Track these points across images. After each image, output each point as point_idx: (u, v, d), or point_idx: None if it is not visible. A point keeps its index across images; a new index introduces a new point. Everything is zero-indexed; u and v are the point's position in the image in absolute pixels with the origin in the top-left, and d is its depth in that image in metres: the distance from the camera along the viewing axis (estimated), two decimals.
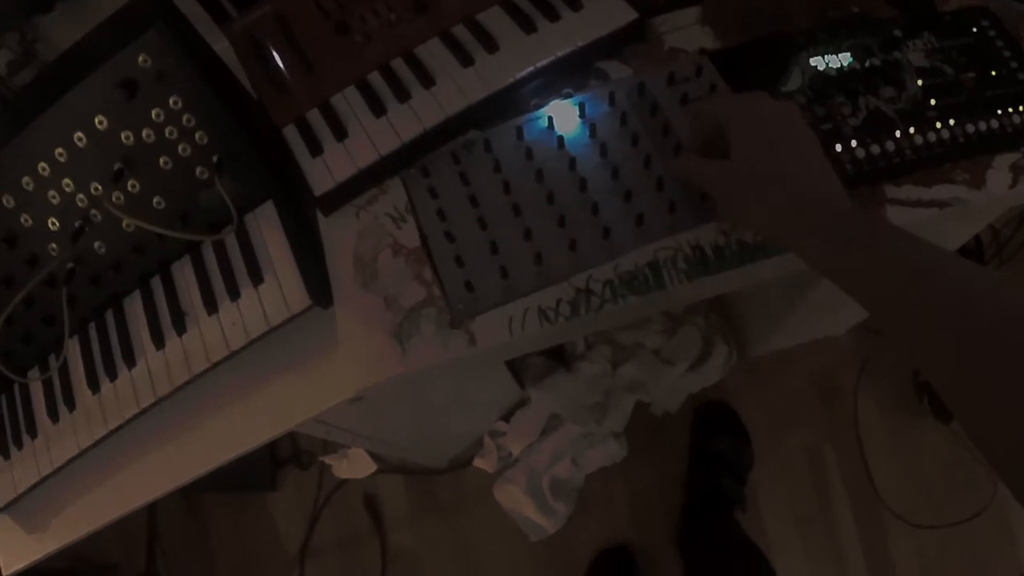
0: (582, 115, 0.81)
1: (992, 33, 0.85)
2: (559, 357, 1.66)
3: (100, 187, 0.79)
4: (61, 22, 0.97)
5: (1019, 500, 0.47)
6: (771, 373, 1.80)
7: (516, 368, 1.63)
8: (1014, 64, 0.83)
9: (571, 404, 1.58)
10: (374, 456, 1.68)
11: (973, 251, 1.65)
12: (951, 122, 0.79)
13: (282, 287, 0.77)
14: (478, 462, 1.69)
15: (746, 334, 1.73)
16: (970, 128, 0.79)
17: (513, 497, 1.64)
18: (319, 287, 0.77)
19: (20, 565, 0.83)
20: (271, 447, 1.81)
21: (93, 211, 0.80)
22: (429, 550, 1.77)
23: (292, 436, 1.82)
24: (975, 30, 0.85)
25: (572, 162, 0.78)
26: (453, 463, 1.78)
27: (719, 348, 1.67)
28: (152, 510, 1.71)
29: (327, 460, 1.71)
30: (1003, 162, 0.79)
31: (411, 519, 1.79)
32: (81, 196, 0.80)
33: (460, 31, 0.84)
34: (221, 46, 0.86)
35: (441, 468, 1.78)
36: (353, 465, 1.70)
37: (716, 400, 1.78)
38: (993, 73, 0.82)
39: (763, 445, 1.75)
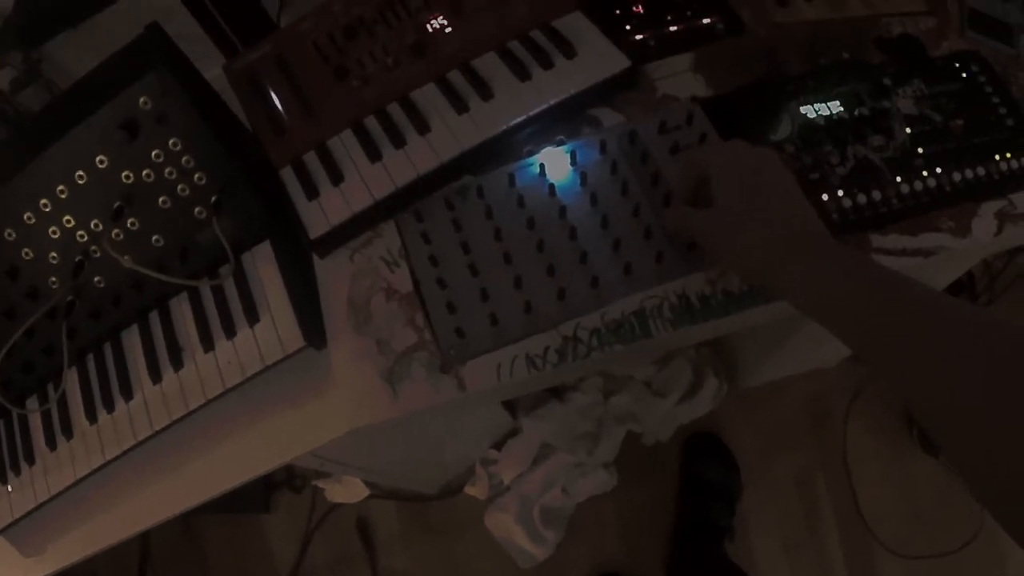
0: (573, 163, 0.82)
1: (982, 79, 0.86)
2: (551, 387, 1.67)
3: (100, 224, 0.80)
4: (65, 43, 0.99)
5: (1013, 537, 0.46)
6: (762, 401, 1.81)
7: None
8: (1003, 110, 0.84)
9: (563, 434, 1.59)
10: (366, 482, 1.69)
11: (965, 284, 1.67)
12: (938, 170, 0.80)
13: (277, 327, 0.78)
14: (469, 489, 1.69)
15: (737, 366, 1.74)
16: (957, 176, 0.80)
17: (504, 525, 1.64)
18: (314, 328, 0.78)
19: None
20: None
21: (93, 247, 0.81)
22: (420, 575, 1.77)
23: None
24: (965, 75, 0.86)
25: (563, 210, 0.79)
26: (445, 490, 1.78)
27: (710, 380, 1.67)
28: (145, 531, 1.71)
29: (320, 484, 1.72)
30: (989, 209, 0.80)
31: (403, 543, 1.79)
32: (81, 232, 0.81)
33: (456, 77, 0.85)
34: (212, 74, 0.88)
35: (433, 494, 1.79)
36: (346, 490, 1.70)
37: (706, 430, 1.78)
38: (981, 120, 0.83)
39: (753, 473, 1.76)
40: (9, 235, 0.81)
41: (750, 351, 1.62)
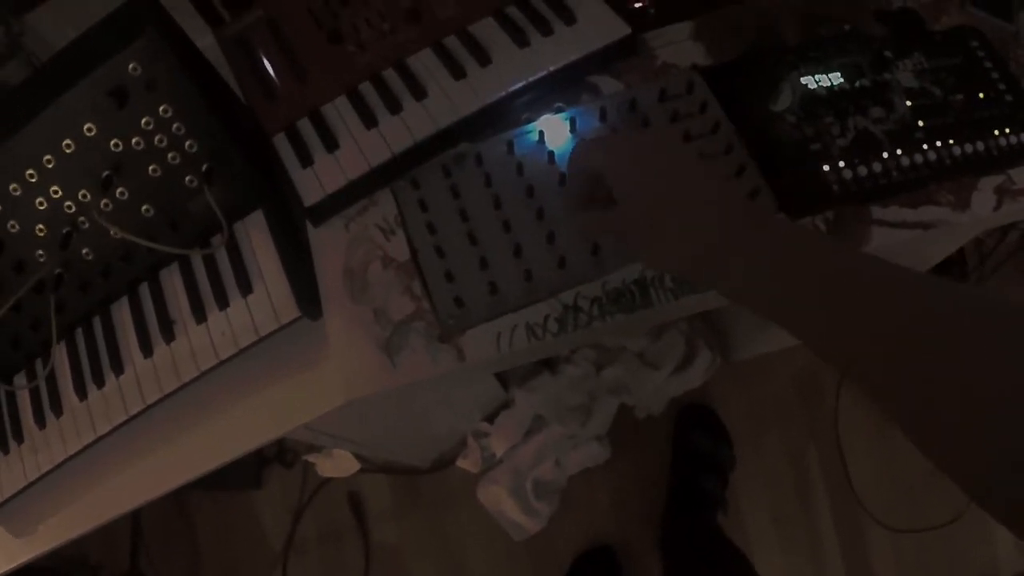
0: (573, 130, 0.81)
1: (981, 54, 0.85)
2: (544, 359, 1.66)
3: (88, 194, 0.79)
4: (47, 15, 0.96)
5: (993, 514, 0.45)
6: (754, 374, 1.82)
7: None
8: (1002, 86, 0.83)
9: (555, 406, 1.58)
10: (358, 456, 1.68)
11: (956, 262, 1.66)
12: (938, 144, 0.79)
13: (271, 297, 0.77)
14: (461, 462, 1.69)
15: (730, 338, 1.74)
16: (956, 150, 0.79)
17: (496, 497, 1.64)
18: (308, 298, 0.77)
19: (6, 568, 0.83)
20: None
21: (81, 218, 0.80)
22: (412, 549, 1.77)
23: None
24: (964, 50, 0.85)
25: (563, 178, 0.78)
26: (437, 463, 1.78)
27: (703, 353, 1.67)
28: (138, 508, 1.70)
29: (311, 459, 1.71)
30: (988, 184, 0.80)
31: (394, 518, 1.79)
32: (69, 203, 0.79)
33: (453, 42, 0.84)
34: (205, 42, 0.86)
35: (425, 468, 1.79)
36: (337, 464, 1.69)
37: (698, 402, 1.79)
38: (981, 95, 0.82)
39: (744, 446, 1.76)
40: None
41: (742, 323, 1.62)
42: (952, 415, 0.46)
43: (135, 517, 1.73)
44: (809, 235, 0.59)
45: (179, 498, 1.84)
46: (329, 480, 1.79)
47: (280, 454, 1.83)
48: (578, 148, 0.66)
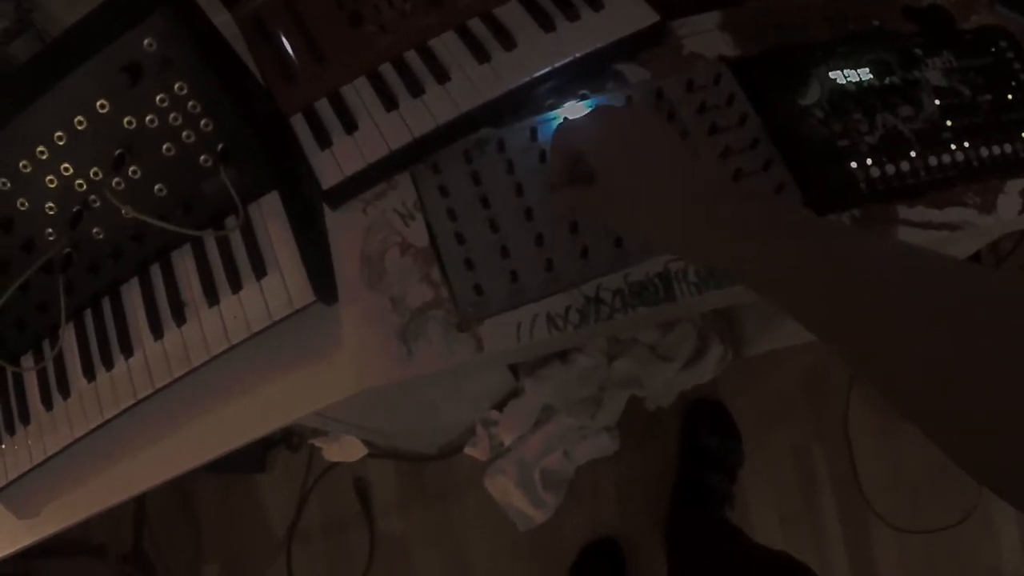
0: None
1: (1010, 55, 0.84)
2: None
3: (100, 172, 0.77)
4: None
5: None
6: (763, 372, 1.81)
7: None
8: None
9: (565, 396, 1.57)
10: (365, 441, 1.68)
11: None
12: (966, 144, 0.78)
13: (286, 281, 0.76)
14: (469, 450, 1.69)
15: (742, 333, 1.73)
16: (984, 152, 0.78)
17: (503, 487, 1.63)
18: (324, 282, 0.75)
19: (10, 550, 0.82)
20: None
21: (92, 196, 0.78)
22: (417, 535, 1.77)
23: None
24: (994, 51, 0.84)
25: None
26: (444, 450, 1.78)
27: (714, 347, 1.66)
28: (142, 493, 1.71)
29: (317, 443, 1.70)
30: (1014, 187, 0.79)
31: (400, 504, 1.79)
32: (80, 181, 0.77)
33: (477, 25, 0.82)
34: (222, 19, 0.85)
35: (432, 454, 1.78)
36: (343, 449, 1.69)
37: (708, 397, 1.78)
38: (1009, 96, 0.81)
39: (753, 443, 1.76)
40: (3, 184, 0.77)
41: (755, 318, 1.61)
42: (959, 406, 0.44)
43: (139, 499, 1.71)
44: (812, 222, 0.56)
45: (183, 480, 1.83)
46: (335, 465, 1.79)
47: (286, 437, 1.82)
48: (558, 129, 0.67)
